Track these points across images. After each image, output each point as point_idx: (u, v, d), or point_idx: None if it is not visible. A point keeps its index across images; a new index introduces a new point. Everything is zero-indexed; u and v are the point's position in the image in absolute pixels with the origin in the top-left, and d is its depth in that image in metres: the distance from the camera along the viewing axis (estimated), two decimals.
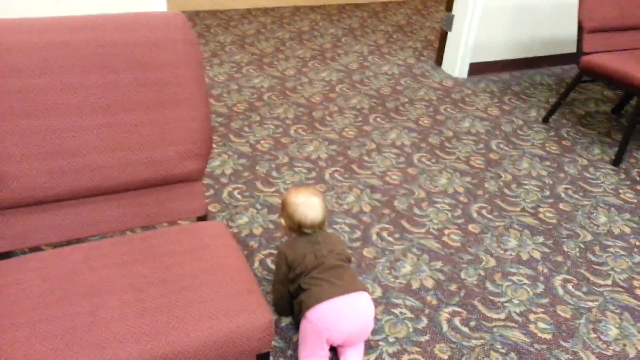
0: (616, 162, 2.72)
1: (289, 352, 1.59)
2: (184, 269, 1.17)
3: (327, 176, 2.46)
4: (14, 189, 1.17)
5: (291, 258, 1.55)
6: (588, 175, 2.63)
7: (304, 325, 1.49)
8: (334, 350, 1.60)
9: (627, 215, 2.34)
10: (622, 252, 2.11)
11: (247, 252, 1.98)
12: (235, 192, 2.31)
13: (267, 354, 1.14)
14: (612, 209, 2.38)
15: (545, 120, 3.14)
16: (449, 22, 3.66)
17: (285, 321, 1.70)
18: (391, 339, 1.67)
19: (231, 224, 2.11)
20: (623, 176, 2.64)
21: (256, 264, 1.92)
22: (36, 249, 1.67)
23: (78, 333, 1.01)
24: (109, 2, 2.54)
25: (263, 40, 4.08)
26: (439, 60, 3.85)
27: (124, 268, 1.16)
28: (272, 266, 1.90)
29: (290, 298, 1.62)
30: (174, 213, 1.38)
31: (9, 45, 1.09)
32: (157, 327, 1.04)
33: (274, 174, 2.45)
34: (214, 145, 2.63)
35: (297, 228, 1.60)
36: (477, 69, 3.77)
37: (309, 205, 1.57)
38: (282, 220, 1.66)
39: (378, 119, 3.02)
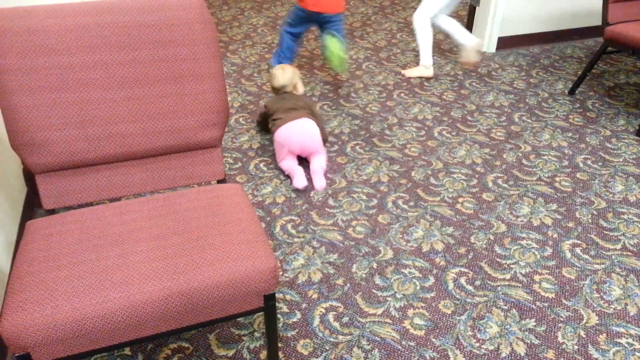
0: None
1: (304, 305, 1.75)
2: (201, 222, 1.33)
3: (348, 149, 2.59)
4: (56, 153, 1.36)
5: (270, 107, 2.52)
6: (609, 145, 2.65)
7: (275, 140, 2.42)
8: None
9: None
10: (636, 219, 2.15)
11: (270, 218, 2.13)
12: (262, 165, 2.46)
13: (272, 295, 1.29)
14: (631, 177, 2.41)
15: (572, 92, 3.15)
16: None
17: (302, 279, 1.85)
18: (399, 295, 1.79)
19: (256, 193, 2.27)
20: None
21: (277, 229, 2.07)
22: (75, 207, 1.88)
23: (109, 273, 1.19)
24: None
25: None
26: None
27: (149, 221, 1.33)
28: (293, 231, 2.06)
29: (267, 127, 2.65)
30: (195, 176, 1.55)
31: (43, 28, 1.27)
32: (176, 269, 1.21)
33: None
34: (242, 122, 2.80)
35: (276, 90, 2.60)
36: (507, 43, 3.78)
37: (279, 74, 2.57)
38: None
39: (402, 95, 3.11)
